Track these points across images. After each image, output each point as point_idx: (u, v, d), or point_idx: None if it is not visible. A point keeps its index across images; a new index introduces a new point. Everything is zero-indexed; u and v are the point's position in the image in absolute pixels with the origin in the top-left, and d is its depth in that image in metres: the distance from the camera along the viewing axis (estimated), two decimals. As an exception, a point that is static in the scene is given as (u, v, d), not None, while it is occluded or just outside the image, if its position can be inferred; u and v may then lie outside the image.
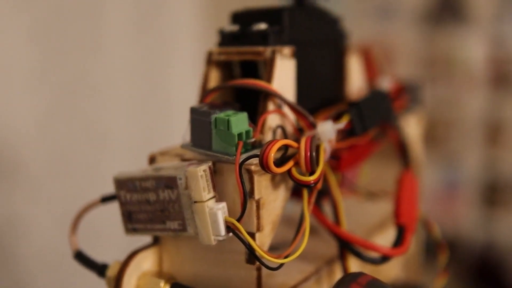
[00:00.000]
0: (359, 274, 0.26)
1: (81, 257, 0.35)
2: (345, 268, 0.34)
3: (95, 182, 0.85)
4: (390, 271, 0.45)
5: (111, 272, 0.33)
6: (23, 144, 0.74)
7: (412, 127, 0.46)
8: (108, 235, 0.79)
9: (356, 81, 0.41)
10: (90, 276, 0.86)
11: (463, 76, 1.58)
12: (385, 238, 0.42)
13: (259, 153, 0.29)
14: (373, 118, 0.35)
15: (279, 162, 0.29)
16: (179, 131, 1.01)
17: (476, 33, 1.55)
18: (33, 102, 0.75)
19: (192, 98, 1.12)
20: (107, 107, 0.88)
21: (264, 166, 0.28)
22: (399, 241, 0.35)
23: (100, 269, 0.34)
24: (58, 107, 0.78)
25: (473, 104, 1.58)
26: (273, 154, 0.28)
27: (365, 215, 0.43)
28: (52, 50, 0.77)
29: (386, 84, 0.42)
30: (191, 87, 1.08)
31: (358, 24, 1.56)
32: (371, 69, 0.44)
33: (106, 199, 0.34)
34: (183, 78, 1.06)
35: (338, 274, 0.37)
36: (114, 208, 0.35)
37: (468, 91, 1.58)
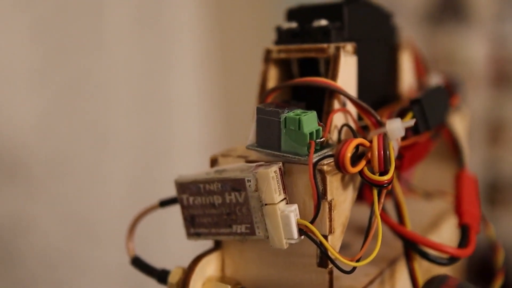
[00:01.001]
0: (447, 277, 0.25)
1: (138, 263, 0.34)
2: (411, 269, 0.33)
3: (96, 182, 0.84)
4: (440, 271, 0.44)
5: (174, 278, 0.32)
6: (24, 144, 0.74)
7: (458, 125, 0.45)
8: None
9: (407, 78, 0.40)
10: (90, 275, 0.85)
11: (464, 76, 1.57)
12: (438, 238, 0.41)
13: (331, 153, 0.28)
14: (435, 116, 0.34)
15: (352, 162, 0.28)
16: (179, 131, 1.00)
17: (478, 33, 1.55)
18: (34, 101, 0.75)
19: (193, 98, 1.11)
20: (108, 107, 0.87)
21: (341, 166, 0.27)
22: (464, 241, 0.34)
23: (160, 275, 0.33)
24: (59, 107, 0.78)
25: (475, 104, 1.58)
26: (350, 154, 0.27)
27: (418, 214, 0.42)
28: (53, 50, 0.76)
29: (437, 80, 0.41)
30: (192, 87, 1.08)
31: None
32: (418, 66, 0.43)
33: (165, 203, 0.33)
34: (185, 78, 1.05)
35: (399, 276, 0.36)
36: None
37: (470, 91, 1.57)
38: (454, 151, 0.39)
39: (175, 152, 1.01)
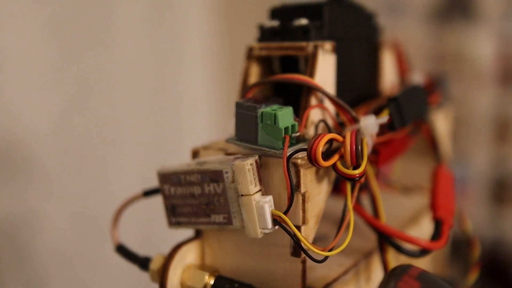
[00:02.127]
0: (409, 266, 0.27)
1: (122, 250, 0.35)
2: (384, 261, 0.34)
3: (107, 178, 0.86)
4: (419, 265, 0.45)
5: (155, 265, 0.33)
6: (37, 141, 0.75)
7: (440, 122, 0.46)
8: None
9: (389, 76, 0.41)
10: (102, 272, 0.86)
11: (471, 74, 1.58)
12: (419, 232, 0.42)
13: (305, 147, 0.29)
14: (411, 113, 0.35)
15: (325, 156, 0.29)
16: (189, 128, 1.02)
17: (485, 31, 1.55)
18: (48, 100, 0.76)
19: (202, 95, 1.12)
20: (119, 105, 0.88)
21: (312, 160, 0.28)
22: (437, 235, 0.35)
23: (142, 262, 0.34)
24: (72, 105, 0.79)
25: (482, 101, 1.58)
26: (321, 148, 0.28)
27: (399, 209, 0.44)
28: (66, 49, 0.77)
29: (418, 79, 0.43)
30: (202, 85, 1.09)
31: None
32: (401, 64, 0.44)
33: (148, 193, 0.35)
34: (194, 76, 1.06)
35: (375, 267, 0.37)
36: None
37: (477, 89, 1.58)
38: (432, 147, 0.40)
39: (184, 150, 1.02)
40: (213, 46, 1.10)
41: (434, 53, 1.62)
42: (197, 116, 1.08)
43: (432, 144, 0.40)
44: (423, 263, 0.46)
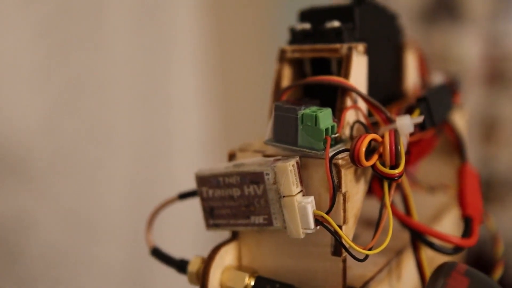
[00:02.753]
0: (455, 263, 0.27)
1: (157, 253, 0.35)
2: (418, 259, 0.35)
3: (98, 181, 0.86)
4: (442, 260, 0.45)
5: (193, 267, 0.33)
6: (28, 142, 0.74)
7: (458, 122, 0.47)
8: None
9: (412, 76, 0.42)
10: (91, 273, 0.85)
11: (458, 74, 1.59)
12: (441, 229, 0.43)
13: (346, 148, 0.30)
14: (440, 113, 0.36)
15: (366, 156, 0.30)
16: (179, 129, 1.01)
17: (471, 32, 1.57)
18: (37, 100, 0.75)
19: (192, 97, 1.12)
20: (109, 106, 0.88)
21: (356, 160, 0.29)
22: (468, 232, 0.35)
23: (179, 264, 0.34)
24: (61, 106, 0.79)
25: (469, 101, 1.60)
26: (364, 148, 0.29)
27: (422, 207, 0.44)
28: (55, 50, 0.77)
29: (439, 79, 0.43)
30: (191, 87, 1.09)
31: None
32: (422, 66, 0.45)
33: (184, 196, 0.35)
34: (184, 78, 1.06)
35: (406, 265, 0.38)
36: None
37: (464, 89, 1.59)
38: (456, 146, 0.41)
39: (174, 151, 1.03)
40: (203, 48, 1.10)
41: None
42: (187, 118, 1.08)
43: (456, 143, 0.41)
44: (445, 259, 0.47)
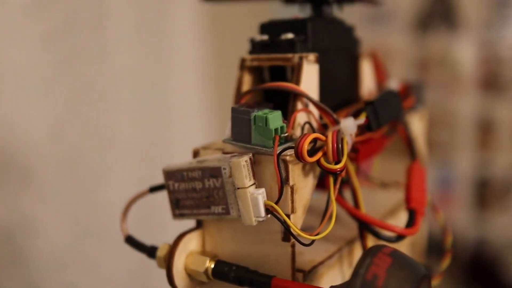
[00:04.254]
0: (383, 246, 0.31)
1: (131, 241, 0.39)
2: (364, 246, 0.39)
3: (102, 184, 0.89)
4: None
5: (161, 252, 0.37)
6: (34, 149, 0.78)
7: (416, 124, 0.51)
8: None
9: (367, 83, 0.46)
10: (98, 275, 0.89)
11: (454, 79, 1.63)
12: (396, 223, 0.47)
13: (293, 145, 0.34)
14: (386, 115, 0.40)
15: (310, 153, 0.34)
16: (180, 133, 1.05)
17: (467, 38, 1.61)
18: (44, 108, 0.79)
19: (192, 101, 1.16)
20: (113, 112, 0.92)
21: (299, 156, 0.33)
22: (411, 222, 0.39)
23: (149, 250, 0.38)
24: (67, 113, 0.82)
25: (465, 106, 1.63)
26: (306, 146, 0.32)
27: (378, 202, 0.48)
28: (61, 60, 0.81)
29: (394, 85, 0.47)
30: (192, 92, 1.13)
31: (355, 30, 1.62)
32: (379, 72, 0.49)
33: (154, 189, 0.39)
34: (184, 83, 1.10)
35: (357, 253, 0.42)
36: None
37: (460, 94, 1.63)
38: (406, 145, 0.45)
39: (176, 155, 1.06)
40: (203, 54, 1.14)
41: (418, 60, 1.67)
42: (187, 122, 1.12)
43: (407, 143, 0.45)
44: (403, 251, 0.51)
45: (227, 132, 0.36)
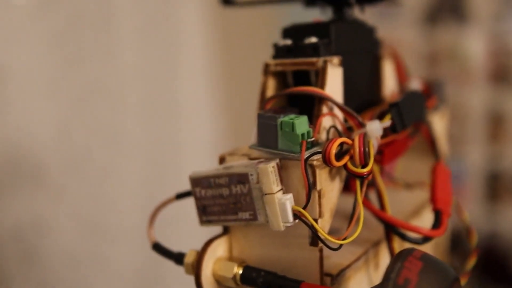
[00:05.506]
0: (413, 249, 0.31)
1: (158, 248, 0.40)
2: (391, 248, 0.39)
3: (111, 183, 0.90)
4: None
5: (189, 259, 0.37)
6: (44, 149, 0.79)
7: (437, 123, 0.50)
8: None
9: (389, 84, 0.46)
10: (107, 273, 0.89)
11: (464, 72, 1.62)
12: (421, 224, 0.47)
13: (320, 150, 0.34)
14: (411, 117, 0.40)
15: (337, 157, 0.34)
16: (187, 133, 1.05)
17: (476, 31, 1.60)
18: (52, 109, 0.80)
19: (199, 101, 1.16)
20: (120, 112, 0.92)
21: (327, 161, 0.33)
22: (437, 224, 0.39)
23: (177, 257, 0.39)
24: (75, 113, 0.83)
25: (475, 99, 1.62)
26: (334, 150, 0.33)
27: (402, 203, 0.48)
28: (68, 60, 0.81)
29: (416, 85, 0.47)
30: (199, 91, 1.13)
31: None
32: (400, 72, 0.48)
33: (180, 196, 0.39)
34: (191, 83, 1.10)
35: (383, 255, 0.42)
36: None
37: (470, 87, 1.62)
38: (431, 146, 0.45)
39: (183, 153, 1.07)
40: (210, 54, 1.14)
41: (427, 54, 1.66)
42: (195, 121, 1.12)
43: (431, 143, 0.45)
44: (427, 251, 0.51)
45: (253, 138, 0.36)
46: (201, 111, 1.15)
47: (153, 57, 0.99)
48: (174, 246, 0.40)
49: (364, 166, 0.34)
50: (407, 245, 0.39)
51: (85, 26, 0.85)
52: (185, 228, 0.80)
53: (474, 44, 1.61)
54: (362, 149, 0.34)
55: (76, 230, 0.83)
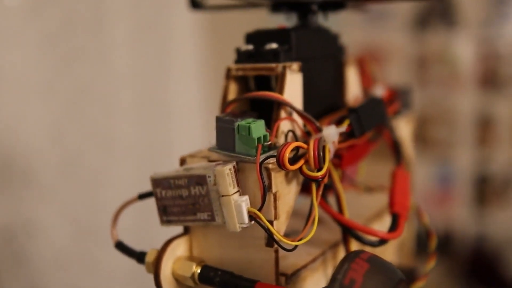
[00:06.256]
0: (361, 251, 0.32)
1: (121, 247, 0.41)
2: (347, 250, 0.40)
3: (102, 185, 0.90)
4: (386, 256, 0.50)
5: (150, 258, 0.38)
6: (36, 151, 0.79)
7: (402, 129, 0.52)
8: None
9: (353, 89, 0.47)
10: (97, 276, 0.90)
11: (453, 76, 1.64)
12: (382, 227, 0.48)
13: (276, 154, 0.35)
14: (370, 122, 0.41)
15: (292, 161, 0.35)
16: (179, 135, 1.06)
17: (466, 35, 1.62)
18: (44, 110, 0.80)
19: (192, 104, 1.17)
20: (112, 114, 0.93)
21: (281, 165, 0.34)
22: (394, 227, 0.40)
23: (138, 256, 0.39)
24: (67, 115, 0.83)
25: (464, 103, 1.64)
26: (287, 154, 0.33)
27: (363, 206, 0.49)
28: (60, 62, 0.82)
29: (379, 91, 0.48)
30: (191, 94, 1.14)
31: (355, 28, 1.63)
32: (365, 78, 0.50)
33: (142, 196, 0.40)
34: (183, 86, 1.11)
35: (341, 256, 0.42)
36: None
37: (459, 91, 1.64)
38: (391, 150, 0.46)
39: (175, 155, 1.07)
40: (201, 54, 1.15)
41: (417, 57, 1.68)
42: (186, 124, 1.13)
43: (392, 148, 0.46)
44: (390, 255, 0.52)
45: (213, 140, 0.37)
46: (193, 114, 1.16)
47: (145, 59, 1.00)
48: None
49: (319, 170, 0.35)
50: (367, 248, 0.40)
51: (77, 28, 0.85)
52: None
53: (463, 49, 1.63)
54: (316, 153, 0.35)
55: (67, 232, 0.84)
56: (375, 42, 1.66)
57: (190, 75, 1.14)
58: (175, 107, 1.09)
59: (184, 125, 1.12)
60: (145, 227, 0.85)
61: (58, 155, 0.82)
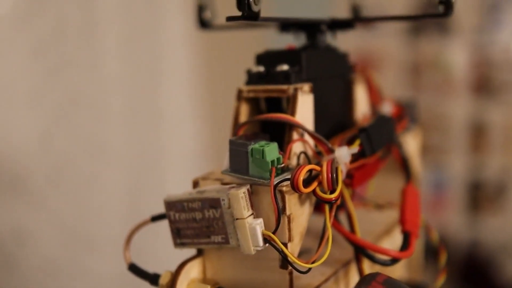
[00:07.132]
0: (377, 274, 0.32)
1: (134, 269, 0.41)
2: (360, 269, 0.40)
3: (92, 194, 0.90)
4: (395, 271, 0.51)
5: (164, 280, 0.38)
6: (25, 158, 0.79)
7: (410, 143, 0.52)
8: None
9: (361, 107, 0.47)
10: (87, 283, 0.89)
11: (447, 83, 1.65)
12: (392, 243, 0.48)
13: (289, 177, 0.35)
14: (380, 141, 0.41)
15: (306, 183, 0.35)
16: (171, 143, 1.06)
17: (459, 42, 1.63)
18: (34, 118, 0.80)
19: (182, 112, 1.16)
20: (103, 121, 0.93)
21: (295, 188, 0.34)
22: (405, 245, 0.41)
23: (152, 278, 0.39)
24: (57, 123, 0.83)
25: (457, 110, 1.65)
26: (302, 177, 0.34)
27: (373, 223, 0.49)
28: (51, 69, 0.82)
29: (387, 109, 0.48)
30: (181, 102, 1.14)
31: (349, 35, 1.63)
32: (373, 94, 0.50)
33: (156, 218, 0.40)
34: (174, 94, 1.11)
35: (352, 275, 0.43)
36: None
37: (452, 97, 1.65)
38: (401, 168, 0.46)
39: (167, 163, 1.08)
40: (193, 61, 1.15)
41: (410, 64, 1.68)
42: (177, 131, 1.13)
43: (402, 165, 0.46)
44: (399, 270, 0.52)
45: (225, 163, 0.37)
46: (184, 121, 1.16)
47: (136, 67, 1.00)
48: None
49: (332, 192, 0.35)
50: (377, 266, 0.40)
51: (68, 36, 0.85)
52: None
53: (456, 55, 1.63)
54: (330, 175, 0.35)
55: (57, 239, 0.84)
56: (369, 49, 1.67)
57: (181, 82, 1.14)
58: (166, 113, 1.09)
59: (175, 132, 1.12)
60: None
61: (48, 162, 0.82)
